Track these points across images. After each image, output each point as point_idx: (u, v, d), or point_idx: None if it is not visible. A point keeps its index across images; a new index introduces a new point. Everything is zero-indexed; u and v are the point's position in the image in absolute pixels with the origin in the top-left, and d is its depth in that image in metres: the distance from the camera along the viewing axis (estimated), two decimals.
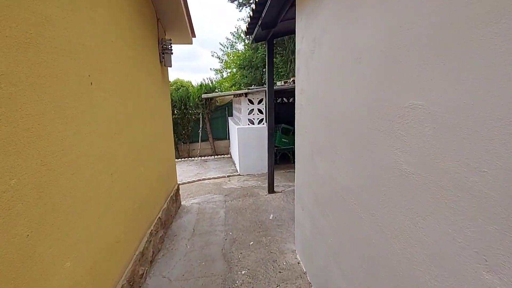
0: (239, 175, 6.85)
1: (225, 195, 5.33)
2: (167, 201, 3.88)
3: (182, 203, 4.87)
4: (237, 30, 18.45)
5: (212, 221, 4.08)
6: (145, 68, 3.17)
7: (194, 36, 4.77)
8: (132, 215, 2.58)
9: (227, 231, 3.75)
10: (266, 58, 4.90)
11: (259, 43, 13.14)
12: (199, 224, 4.01)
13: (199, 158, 9.60)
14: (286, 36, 11.23)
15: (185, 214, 4.35)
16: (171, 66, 3.98)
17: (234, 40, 18.96)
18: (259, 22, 3.90)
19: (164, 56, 3.88)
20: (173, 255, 3.22)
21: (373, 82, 1.35)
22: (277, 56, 12.32)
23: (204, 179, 6.67)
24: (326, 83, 1.97)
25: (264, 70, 14.13)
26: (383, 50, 1.25)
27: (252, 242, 3.41)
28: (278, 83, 10.13)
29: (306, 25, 2.39)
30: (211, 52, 22.13)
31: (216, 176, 6.82)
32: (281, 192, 5.28)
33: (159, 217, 3.40)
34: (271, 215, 4.18)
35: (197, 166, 8.45)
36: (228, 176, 6.81)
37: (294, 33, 5.27)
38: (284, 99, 9.75)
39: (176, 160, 9.51)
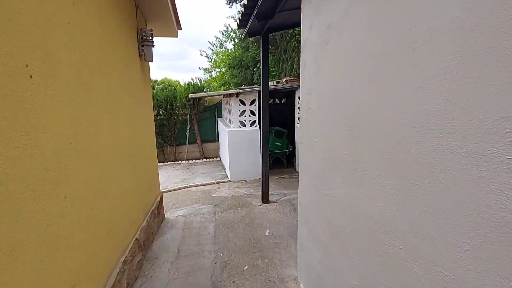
0: (229, 181, 6.35)
1: (215, 205, 4.82)
2: (147, 217, 3.34)
3: (165, 216, 4.33)
4: (227, 28, 17.98)
5: (200, 239, 3.57)
6: (118, 61, 2.64)
7: (180, 29, 4.25)
8: (98, 245, 2.05)
9: (217, 251, 3.26)
10: (261, 55, 4.44)
11: (251, 41, 12.67)
12: (185, 242, 3.49)
13: (186, 161, 9.04)
14: (279, 34, 10.81)
15: (169, 230, 3.82)
16: (152, 61, 3.45)
17: (224, 39, 18.48)
18: (254, 12, 3.42)
19: (144, 48, 3.35)
20: (153, 284, 2.70)
21: (442, 78, 0.90)
22: (269, 55, 11.89)
23: (191, 186, 6.13)
24: (348, 81, 1.52)
25: (254, 69, 13.68)
26: (466, 28, 0.80)
27: (246, 267, 2.93)
28: (270, 83, 9.71)
29: (316, 9, 1.93)
30: (200, 51, 21.52)
31: (204, 183, 6.29)
32: (276, 202, 4.82)
33: (136, 239, 2.87)
34: (267, 231, 3.72)
35: (184, 171, 7.89)
36: (217, 183, 6.30)
37: (292, 27, 4.84)
38: (276, 99, 9.32)
39: (161, 164, 8.93)
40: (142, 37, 3.31)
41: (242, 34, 4.74)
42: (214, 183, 6.29)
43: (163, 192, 5.75)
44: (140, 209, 3.16)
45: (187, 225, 3.99)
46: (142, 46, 3.34)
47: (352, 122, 1.50)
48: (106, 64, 2.31)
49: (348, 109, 1.54)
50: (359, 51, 1.40)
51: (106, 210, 2.20)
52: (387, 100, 1.19)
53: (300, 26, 2.37)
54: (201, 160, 9.14)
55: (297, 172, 7.30)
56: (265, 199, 4.82)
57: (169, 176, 7.31)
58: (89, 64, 1.99)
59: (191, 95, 8.00)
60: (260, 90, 6.31)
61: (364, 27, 1.34)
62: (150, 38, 3.37)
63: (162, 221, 4.09)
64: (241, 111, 6.29)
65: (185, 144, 9.32)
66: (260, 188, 5.13)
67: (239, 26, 4.21)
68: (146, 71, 3.64)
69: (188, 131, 9.19)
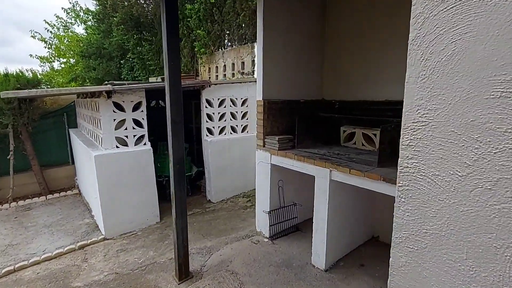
0: (104, 239, 3.78)
1: None
2: None
3: None
4: (74, 6, 13.56)
5: None
6: None
7: None
8: None
9: None
10: (163, 22, 2.40)
11: (115, 23, 9.49)
12: None
13: (14, 204, 5.39)
14: (157, 17, 8.34)
15: None
16: None
17: (69, 20, 13.88)
18: None
19: None
20: None
21: None
22: (144, 43, 9.20)
23: (23, 268, 3.19)
24: None
25: (122, 61, 10.55)
26: None
27: None
28: (152, 80, 7.37)
29: None
30: (31, 32, 15.12)
31: (53, 254, 3.44)
32: (202, 275, 2.88)
33: None
34: None
35: (8, 225, 4.46)
36: (81, 247, 3.60)
37: None
38: (161, 102, 7.02)
39: None
40: None
41: None
42: (75, 249, 3.56)
43: None
44: None
45: None
46: None
47: None
48: None
49: None
50: None
51: None
52: None
53: None
54: (43, 198, 5.67)
55: (210, 201, 5.37)
56: (184, 274, 2.81)
57: None
58: None
59: (7, 94, 4.47)
60: (156, 87, 4.08)
61: None
62: None
63: None
64: (118, 121, 3.84)
65: (9, 174, 5.57)
66: (165, 243, 3.07)
67: None
68: None
69: (11, 153, 5.51)
